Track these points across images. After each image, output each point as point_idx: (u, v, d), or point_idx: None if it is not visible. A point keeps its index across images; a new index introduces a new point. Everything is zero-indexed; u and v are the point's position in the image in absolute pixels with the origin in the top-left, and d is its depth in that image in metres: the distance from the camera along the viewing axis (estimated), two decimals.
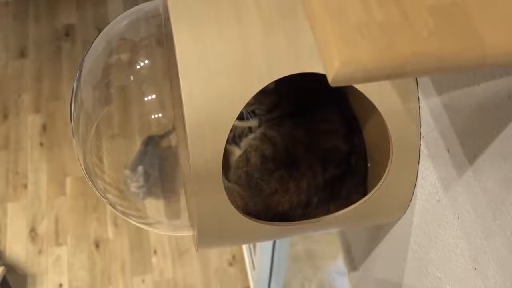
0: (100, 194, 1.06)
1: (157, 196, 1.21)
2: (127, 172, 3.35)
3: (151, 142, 3.41)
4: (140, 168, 3.29)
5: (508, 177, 0.70)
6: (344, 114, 1.06)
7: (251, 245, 3.29)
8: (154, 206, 1.14)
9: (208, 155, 0.82)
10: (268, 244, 2.88)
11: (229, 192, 0.88)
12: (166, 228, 1.15)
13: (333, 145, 1.02)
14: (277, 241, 2.87)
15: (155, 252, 3.34)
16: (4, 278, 2.41)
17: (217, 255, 3.35)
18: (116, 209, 1.06)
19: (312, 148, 1.01)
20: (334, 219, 0.96)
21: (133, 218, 1.08)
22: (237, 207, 0.90)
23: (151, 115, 1.05)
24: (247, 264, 3.34)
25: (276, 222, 0.95)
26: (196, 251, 0.94)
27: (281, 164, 1.01)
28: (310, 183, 0.99)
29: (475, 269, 0.80)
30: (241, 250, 3.38)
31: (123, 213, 1.07)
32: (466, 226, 0.81)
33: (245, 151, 1.03)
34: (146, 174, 3.38)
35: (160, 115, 1.04)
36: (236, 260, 3.37)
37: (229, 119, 0.82)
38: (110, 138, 1.09)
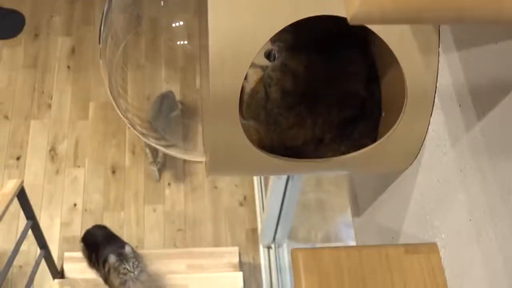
0: (122, 114, 1.09)
1: (177, 138, 1.24)
2: (147, 151, 3.31)
3: (166, 96, 3.46)
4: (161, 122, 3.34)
5: None
6: (367, 61, 1.07)
7: (263, 188, 3.34)
8: (173, 132, 1.18)
9: (228, 83, 0.85)
10: (280, 188, 2.93)
11: (244, 128, 0.91)
12: (181, 152, 1.19)
13: (354, 88, 1.04)
14: (289, 187, 2.92)
15: (169, 184, 3.41)
16: (22, 190, 2.49)
17: (229, 194, 3.42)
18: (135, 129, 1.10)
19: (333, 86, 1.03)
20: (344, 161, 0.99)
21: (151, 139, 1.12)
22: (251, 141, 0.93)
23: (177, 42, 1.08)
24: (257, 206, 3.40)
25: (287, 157, 0.98)
26: (207, 177, 0.98)
27: (301, 99, 1.02)
28: (325, 120, 1.01)
29: (470, 220, 0.84)
30: (252, 191, 3.44)
31: (142, 134, 1.11)
32: (467, 180, 0.84)
33: (264, 86, 1.04)
34: (168, 124, 3.43)
35: (186, 42, 1.07)
36: (247, 201, 3.43)
37: (252, 52, 0.85)
38: (135, 62, 1.12)
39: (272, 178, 2.93)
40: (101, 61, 1.10)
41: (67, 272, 3.09)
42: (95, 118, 3.59)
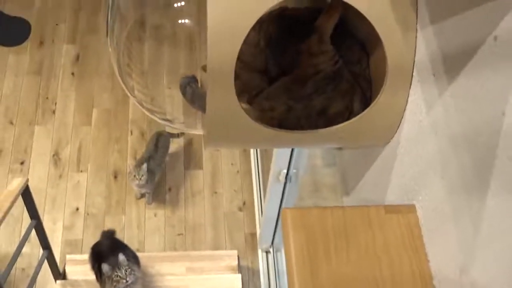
0: (129, 93, 1.17)
1: (179, 114, 1.31)
2: (131, 168, 3.35)
3: (160, 138, 3.50)
4: (145, 166, 3.33)
5: (476, 94, 0.81)
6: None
7: (262, 193, 3.41)
8: (175, 106, 1.26)
9: (224, 55, 0.94)
10: (277, 191, 2.99)
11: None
12: (182, 126, 1.27)
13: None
14: (286, 191, 2.98)
15: (169, 189, 3.47)
16: (27, 188, 2.55)
17: (228, 199, 3.48)
18: (143, 107, 1.18)
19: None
20: (331, 132, 1.07)
21: (157, 115, 1.20)
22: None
23: (179, 20, 1.17)
24: (256, 211, 3.45)
25: (277, 128, 1.06)
26: (205, 149, 1.06)
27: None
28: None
29: (442, 178, 0.92)
30: (251, 197, 3.50)
31: (149, 110, 1.19)
32: (441, 141, 0.93)
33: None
34: (151, 173, 3.41)
35: (186, 21, 1.16)
36: (246, 206, 3.49)
37: (246, 26, 0.94)
38: (140, 41, 1.21)
39: (270, 181, 3.00)
40: (110, 49, 1.18)
41: (69, 274, 3.13)
42: (98, 124, 3.67)
